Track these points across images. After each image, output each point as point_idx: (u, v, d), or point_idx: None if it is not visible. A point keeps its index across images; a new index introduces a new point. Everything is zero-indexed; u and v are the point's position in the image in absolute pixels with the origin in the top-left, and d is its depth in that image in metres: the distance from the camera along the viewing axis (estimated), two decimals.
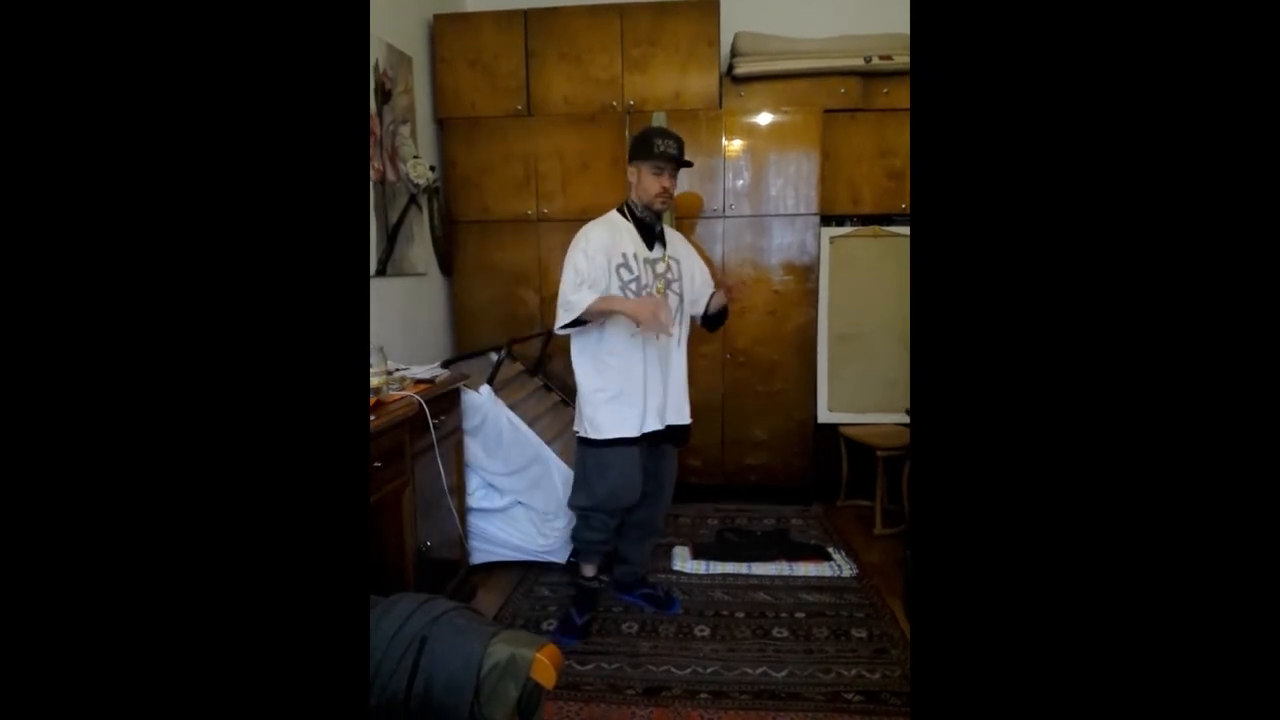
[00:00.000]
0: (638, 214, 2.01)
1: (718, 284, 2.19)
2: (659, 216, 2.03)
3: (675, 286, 2.05)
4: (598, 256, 1.92)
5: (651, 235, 2.03)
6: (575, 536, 2.20)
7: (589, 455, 2.07)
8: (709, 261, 2.57)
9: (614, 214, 2.05)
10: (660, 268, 2.02)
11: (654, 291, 1.98)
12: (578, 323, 1.90)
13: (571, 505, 2.17)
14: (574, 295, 1.88)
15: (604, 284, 1.91)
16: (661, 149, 1.94)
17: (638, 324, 1.87)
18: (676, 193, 2.88)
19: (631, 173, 2.01)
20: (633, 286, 1.95)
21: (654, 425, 2.03)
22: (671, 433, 2.10)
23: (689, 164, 2.03)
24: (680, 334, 2.08)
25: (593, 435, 2.03)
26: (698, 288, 2.13)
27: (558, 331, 1.95)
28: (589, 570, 2.19)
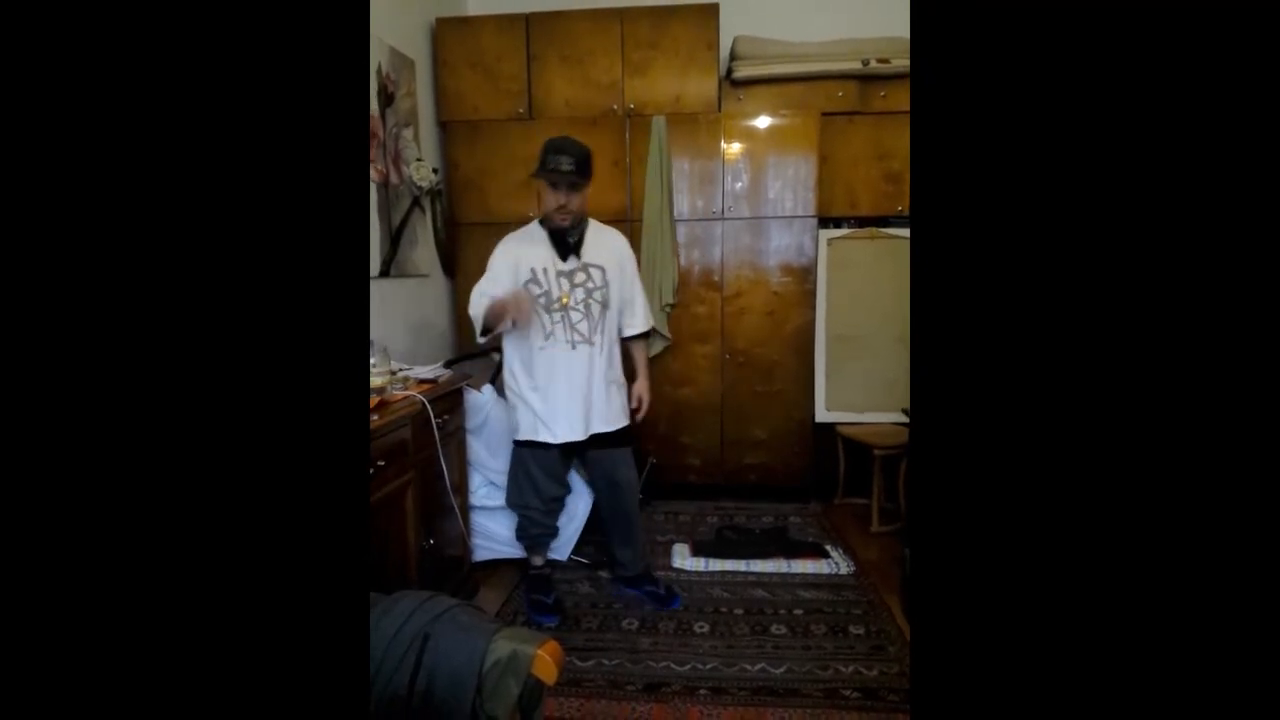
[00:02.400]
0: (549, 226, 2.02)
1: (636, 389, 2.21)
2: (573, 228, 2.02)
3: (597, 294, 2.04)
4: (501, 268, 2.02)
5: (566, 247, 2.02)
6: (520, 535, 2.29)
7: (514, 453, 2.21)
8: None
9: (534, 225, 2.08)
10: (579, 278, 2.02)
11: (571, 303, 2.02)
12: (489, 330, 1.99)
13: (507, 503, 2.27)
14: (473, 310, 2.00)
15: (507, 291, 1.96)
16: (551, 165, 1.93)
17: (513, 322, 1.91)
18: (679, 194, 2.95)
19: (537, 185, 2.04)
20: (542, 300, 2.00)
21: (573, 435, 2.07)
22: (598, 440, 2.11)
23: (586, 180, 1.97)
24: (603, 342, 2.07)
25: (514, 436, 2.17)
26: (624, 289, 2.12)
27: (479, 342, 2.08)
28: (538, 560, 2.30)
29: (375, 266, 2.49)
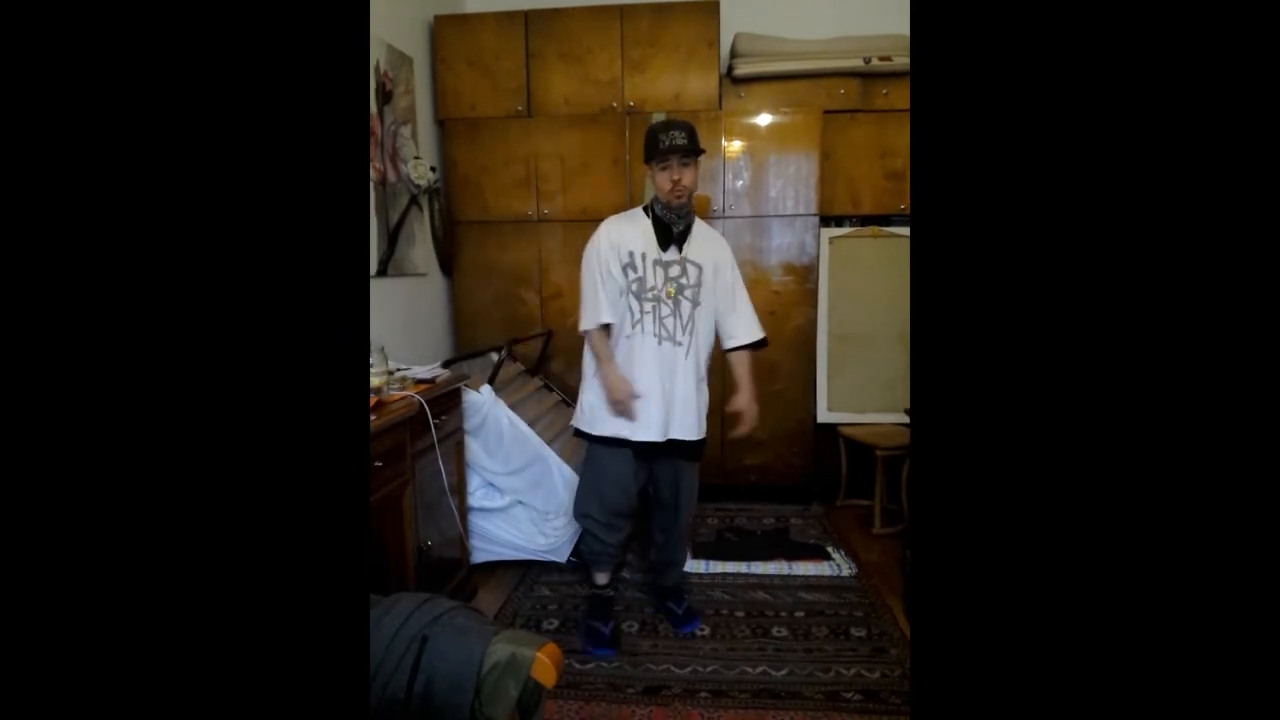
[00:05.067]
0: (657, 212, 1.93)
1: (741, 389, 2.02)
2: (681, 216, 1.92)
3: (688, 293, 1.92)
4: (607, 254, 1.92)
5: (669, 236, 1.92)
6: (580, 546, 2.13)
7: (589, 451, 2.06)
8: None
9: (638, 210, 2.00)
10: (674, 271, 1.91)
11: (662, 296, 1.90)
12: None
13: (574, 513, 2.14)
14: (588, 312, 1.94)
15: (617, 282, 1.92)
16: (666, 144, 1.84)
17: (610, 396, 1.92)
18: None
19: (648, 174, 1.94)
20: (634, 287, 1.91)
21: (651, 436, 1.93)
22: (675, 447, 1.97)
23: (699, 151, 1.88)
24: (691, 343, 1.94)
25: (585, 429, 2.01)
26: (721, 295, 1.99)
27: (581, 330, 1.99)
28: (601, 579, 2.13)
29: (373, 265, 2.47)
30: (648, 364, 1.92)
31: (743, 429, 2.06)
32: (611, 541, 2.06)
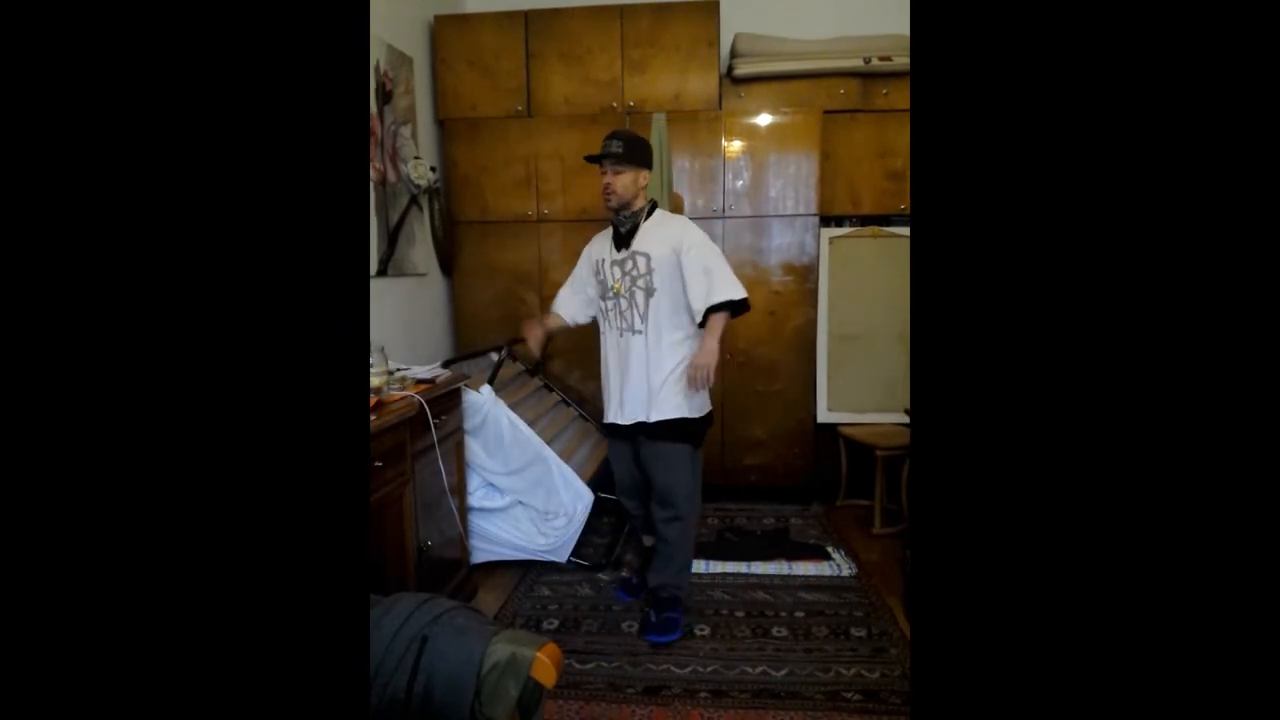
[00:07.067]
0: (613, 221, 2.11)
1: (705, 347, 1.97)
2: (627, 218, 2.04)
3: (640, 282, 2.02)
4: (582, 264, 2.22)
5: (620, 238, 2.08)
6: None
7: None
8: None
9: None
10: (627, 266, 2.05)
11: (616, 290, 2.08)
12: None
13: None
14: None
15: (587, 285, 2.19)
16: (602, 150, 1.99)
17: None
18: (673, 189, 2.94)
19: None
20: (599, 289, 2.14)
21: (613, 419, 2.11)
22: (645, 431, 2.05)
23: (630, 160, 1.97)
24: (650, 330, 2.01)
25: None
26: (672, 273, 1.99)
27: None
28: (646, 540, 2.37)
29: (373, 265, 2.48)
30: (610, 354, 2.12)
31: (695, 380, 1.99)
32: (633, 512, 2.33)
